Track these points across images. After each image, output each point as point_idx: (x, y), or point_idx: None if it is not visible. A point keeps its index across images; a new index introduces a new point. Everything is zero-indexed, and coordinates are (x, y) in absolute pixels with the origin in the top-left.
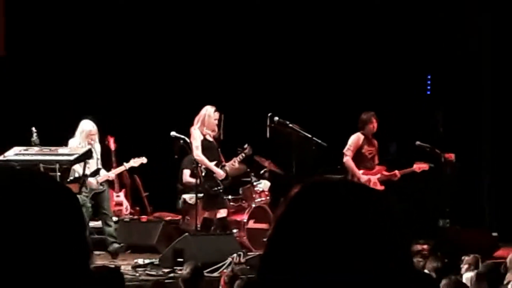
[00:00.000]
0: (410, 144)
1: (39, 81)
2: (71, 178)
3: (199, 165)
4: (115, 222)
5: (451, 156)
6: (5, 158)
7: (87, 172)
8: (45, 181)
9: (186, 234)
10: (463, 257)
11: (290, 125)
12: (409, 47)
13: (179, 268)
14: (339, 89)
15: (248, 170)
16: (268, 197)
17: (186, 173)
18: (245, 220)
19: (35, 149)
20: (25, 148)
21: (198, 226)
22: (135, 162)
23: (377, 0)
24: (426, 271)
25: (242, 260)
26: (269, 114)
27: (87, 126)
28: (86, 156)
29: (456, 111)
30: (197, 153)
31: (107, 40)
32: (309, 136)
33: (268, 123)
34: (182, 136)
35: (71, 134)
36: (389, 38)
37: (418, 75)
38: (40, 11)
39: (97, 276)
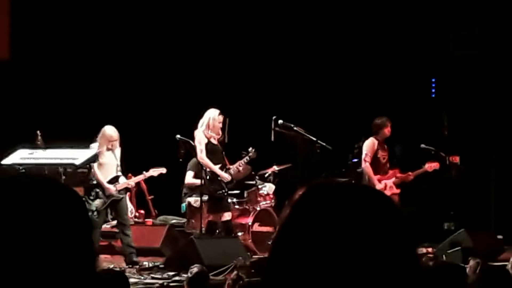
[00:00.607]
0: (415, 147)
1: (43, 84)
2: (94, 182)
3: (204, 168)
4: None
5: (456, 159)
6: (10, 162)
7: (107, 178)
8: (50, 184)
9: (191, 237)
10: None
11: (295, 128)
12: (414, 51)
13: (184, 271)
14: (344, 93)
15: (253, 173)
16: (273, 200)
17: (190, 174)
18: (250, 223)
19: (40, 153)
20: (30, 151)
21: (203, 229)
22: (155, 171)
23: (382, 5)
24: None
25: (247, 263)
26: (273, 117)
27: (108, 131)
28: (91, 160)
29: (461, 114)
30: (202, 156)
31: (112, 43)
32: (314, 139)
33: (272, 126)
34: (187, 140)
35: (88, 138)
36: (393, 42)
37: (422, 79)
38: (45, 15)
39: (102, 279)
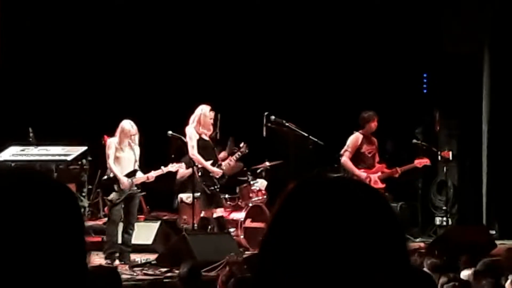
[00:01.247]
0: (406, 143)
1: (34, 82)
2: (105, 177)
3: (196, 164)
4: None
5: (448, 154)
6: (1, 159)
7: (124, 172)
8: (42, 179)
9: (183, 233)
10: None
11: (287, 124)
12: (406, 46)
13: (176, 267)
14: (335, 88)
15: (245, 168)
16: (265, 196)
17: (182, 167)
18: (242, 219)
19: (32, 150)
20: (21, 148)
21: (195, 225)
22: (173, 167)
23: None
24: (424, 269)
25: (239, 259)
26: (265, 113)
27: (126, 125)
28: (83, 156)
29: (453, 109)
30: (193, 152)
31: (104, 40)
32: (306, 134)
33: (264, 122)
34: (179, 136)
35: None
36: (385, 37)
37: (414, 74)
38: (36, 12)
39: (93, 276)
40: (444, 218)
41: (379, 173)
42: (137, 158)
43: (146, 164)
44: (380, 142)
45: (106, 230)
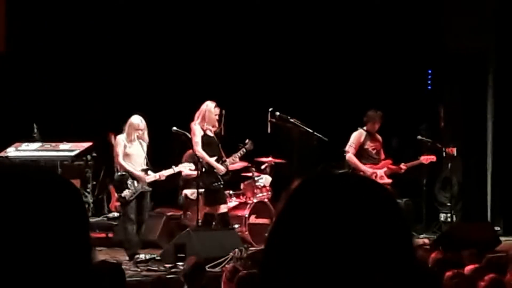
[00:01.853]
0: (411, 139)
1: (39, 77)
2: (119, 173)
3: (200, 160)
4: (117, 218)
5: (453, 151)
6: (6, 154)
7: (137, 168)
8: (47, 175)
9: (188, 229)
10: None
11: (291, 120)
12: (410, 43)
13: (180, 263)
14: (340, 84)
15: (249, 165)
16: (269, 192)
17: (187, 166)
18: (246, 215)
19: (36, 145)
20: (26, 144)
21: (200, 221)
22: (184, 167)
23: None
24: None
25: (244, 255)
26: (270, 109)
27: (135, 120)
28: (87, 152)
29: (457, 105)
30: (197, 148)
31: (108, 36)
32: (310, 131)
33: (269, 118)
34: (183, 132)
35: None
36: (390, 33)
37: (419, 71)
38: (41, 7)
39: (98, 272)
40: (449, 215)
41: (385, 169)
42: (146, 154)
43: (152, 160)
44: (385, 139)
45: (123, 230)
